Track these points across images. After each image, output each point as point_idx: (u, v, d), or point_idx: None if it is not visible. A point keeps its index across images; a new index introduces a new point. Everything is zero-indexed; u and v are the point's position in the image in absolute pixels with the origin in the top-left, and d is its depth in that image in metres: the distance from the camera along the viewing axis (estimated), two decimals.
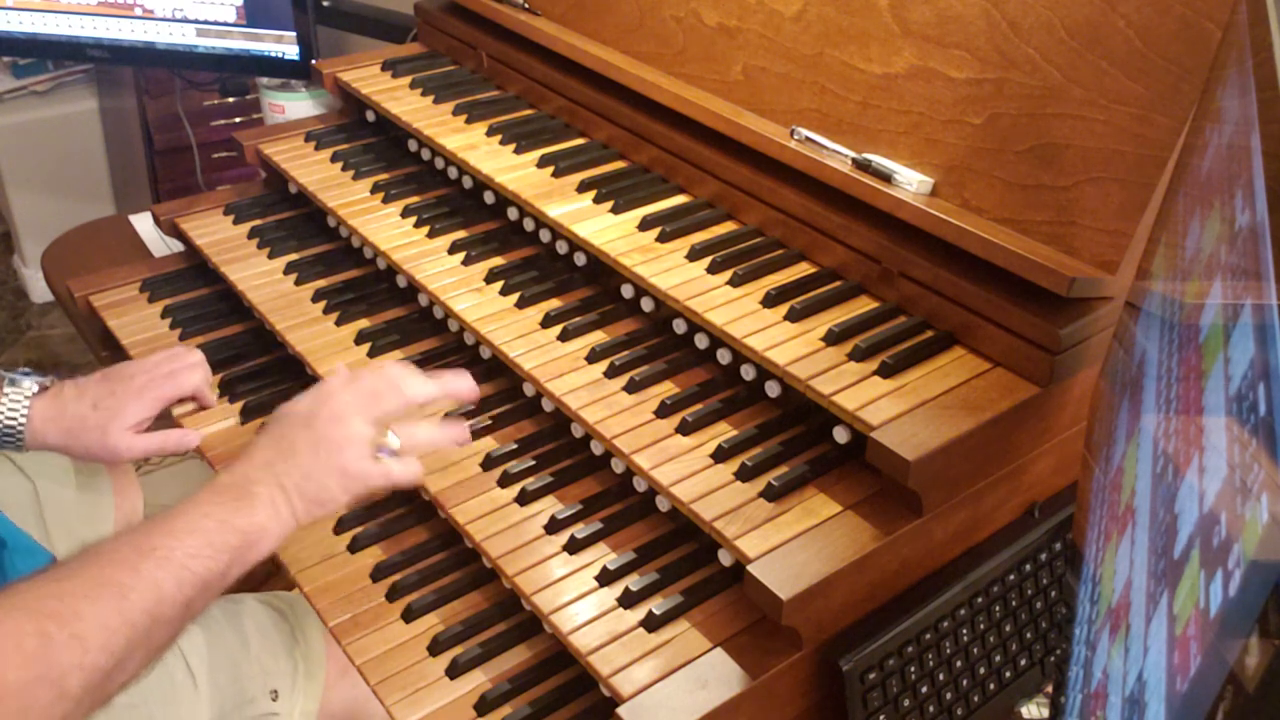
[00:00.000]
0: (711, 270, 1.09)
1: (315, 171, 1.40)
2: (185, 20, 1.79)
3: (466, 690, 0.95)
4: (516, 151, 1.30)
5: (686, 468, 0.96)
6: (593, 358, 1.08)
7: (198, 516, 0.82)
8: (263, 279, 1.32)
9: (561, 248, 1.22)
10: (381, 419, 0.93)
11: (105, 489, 1.16)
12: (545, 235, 1.24)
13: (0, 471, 1.11)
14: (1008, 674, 1.01)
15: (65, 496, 1.13)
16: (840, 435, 0.96)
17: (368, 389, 0.94)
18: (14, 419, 1.02)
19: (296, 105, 1.79)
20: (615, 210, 1.19)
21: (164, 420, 1.13)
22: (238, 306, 1.35)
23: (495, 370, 1.17)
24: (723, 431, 1.00)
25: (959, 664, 0.97)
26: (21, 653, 0.68)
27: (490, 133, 1.34)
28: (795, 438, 0.99)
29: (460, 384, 0.98)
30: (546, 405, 1.11)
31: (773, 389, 1.02)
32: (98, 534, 1.13)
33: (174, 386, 1.09)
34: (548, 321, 1.12)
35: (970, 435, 0.91)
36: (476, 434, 1.09)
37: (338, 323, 1.25)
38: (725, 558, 0.94)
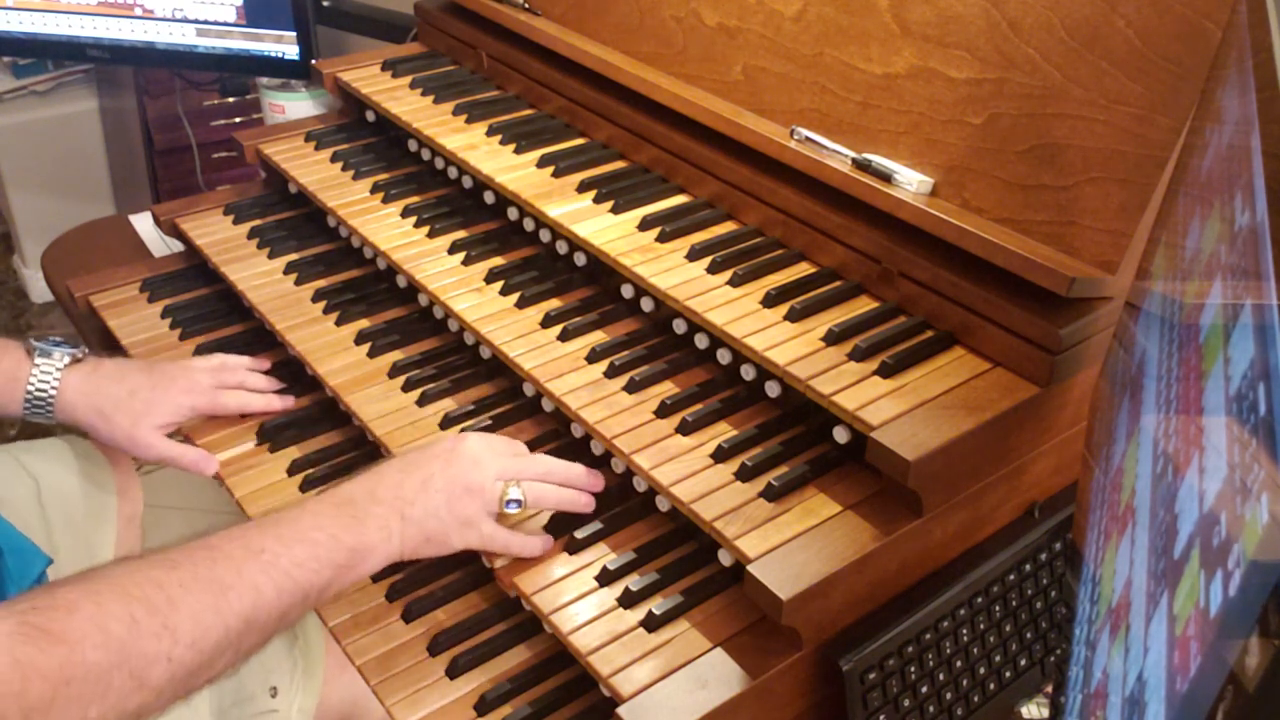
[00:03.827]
0: (711, 270, 1.09)
1: (315, 171, 1.40)
2: (185, 20, 1.79)
3: (466, 690, 0.95)
4: (516, 151, 1.30)
5: (686, 468, 0.96)
6: (593, 358, 1.08)
7: (311, 527, 0.82)
8: (263, 279, 1.32)
9: (561, 248, 1.22)
10: (515, 479, 0.94)
11: (109, 488, 1.16)
12: (545, 235, 1.24)
13: (3, 470, 1.11)
14: (1008, 674, 1.01)
15: (68, 495, 1.13)
16: (840, 435, 0.96)
17: (511, 448, 0.97)
18: (44, 390, 1.02)
19: (296, 105, 1.79)
20: (615, 210, 1.19)
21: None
22: (238, 306, 1.34)
23: (495, 370, 1.17)
24: (723, 431, 1.00)
25: (959, 664, 0.97)
26: (106, 634, 0.67)
27: (490, 133, 1.34)
28: (795, 438, 0.99)
29: (595, 480, 1.01)
30: (546, 405, 1.11)
31: (773, 389, 1.02)
32: (101, 533, 1.13)
33: (210, 401, 1.10)
34: (548, 321, 1.12)
35: (970, 435, 0.91)
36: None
37: (338, 323, 1.25)
38: (725, 558, 0.94)
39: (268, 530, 0.80)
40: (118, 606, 0.68)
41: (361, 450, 1.16)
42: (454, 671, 0.96)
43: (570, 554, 0.98)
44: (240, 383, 1.16)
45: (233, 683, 1.00)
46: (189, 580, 0.73)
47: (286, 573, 0.78)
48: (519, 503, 0.94)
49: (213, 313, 1.36)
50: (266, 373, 1.23)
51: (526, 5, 1.43)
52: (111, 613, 0.68)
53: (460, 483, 0.91)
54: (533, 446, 1.08)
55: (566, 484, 0.99)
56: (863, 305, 1.06)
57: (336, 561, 0.82)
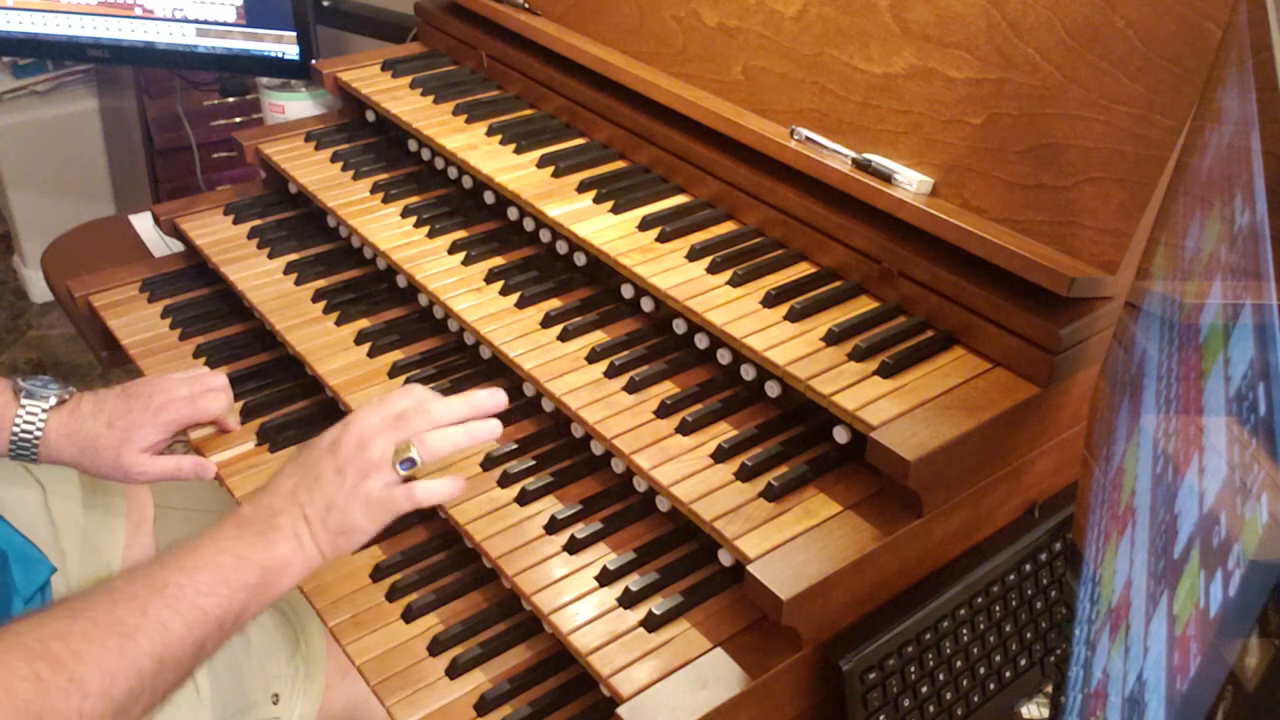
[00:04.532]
0: (711, 270, 1.09)
1: (315, 171, 1.40)
2: (185, 20, 1.79)
3: (466, 690, 0.95)
4: (516, 151, 1.30)
5: (686, 468, 0.96)
6: (593, 358, 1.08)
7: (214, 551, 0.80)
8: (263, 279, 1.32)
9: (561, 248, 1.22)
10: (407, 439, 0.90)
11: (116, 493, 1.15)
12: (545, 235, 1.24)
13: (10, 476, 1.11)
14: (1008, 674, 1.01)
15: (76, 501, 1.12)
16: (840, 435, 0.96)
17: (393, 412, 0.91)
18: (29, 432, 1.01)
19: (296, 105, 1.79)
20: (615, 210, 1.19)
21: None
22: (238, 306, 1.35)
23: (495, 370, 1.17)
24: (723, 431, 1.00)
25: (959, 664, 0.97)
26: (12, 697, 0.65)
27: (490, 133, 1.34)
28: (795, 438, 0.99)
29: (485, 398, 0.94)
30: (546, 405, 1.11)
31: (773, 389, 1.02)
32: (109, 538, 1.12)
33: (191, 411, 1.08)
34: (548, 321, 1.12)
35: (970, 435, 0.91)
36: None
37: (338, 323, 1.25)
38: (725, 558, 0.94)
39: (169, 563, 0.78)
40: (23, 667, 0.66)
41: None
42: (454, 671, 0.96)
43: (570, 554, 0.98)
44: (223, 386, 1.13)
45: (235, 690, 1.00)
46: (91, 629, 0.71)
47: (194, 604, 0.76)
48: (412, 461, 0.89)
49: (213, 313, 1.36)
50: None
51: (526, 5, 1.43)
52: (16, 673, 0.66)
53: (353, 467, 0.88)
54: (532, 446, 1.08)
55: (465, 418, 0.94)
56: (863, 305, 1.06)
57: (248, 582, 0.80)
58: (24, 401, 1.02)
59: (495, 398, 0.95)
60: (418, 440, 0.90)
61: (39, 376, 1.05)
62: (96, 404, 1.04)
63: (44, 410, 1.02)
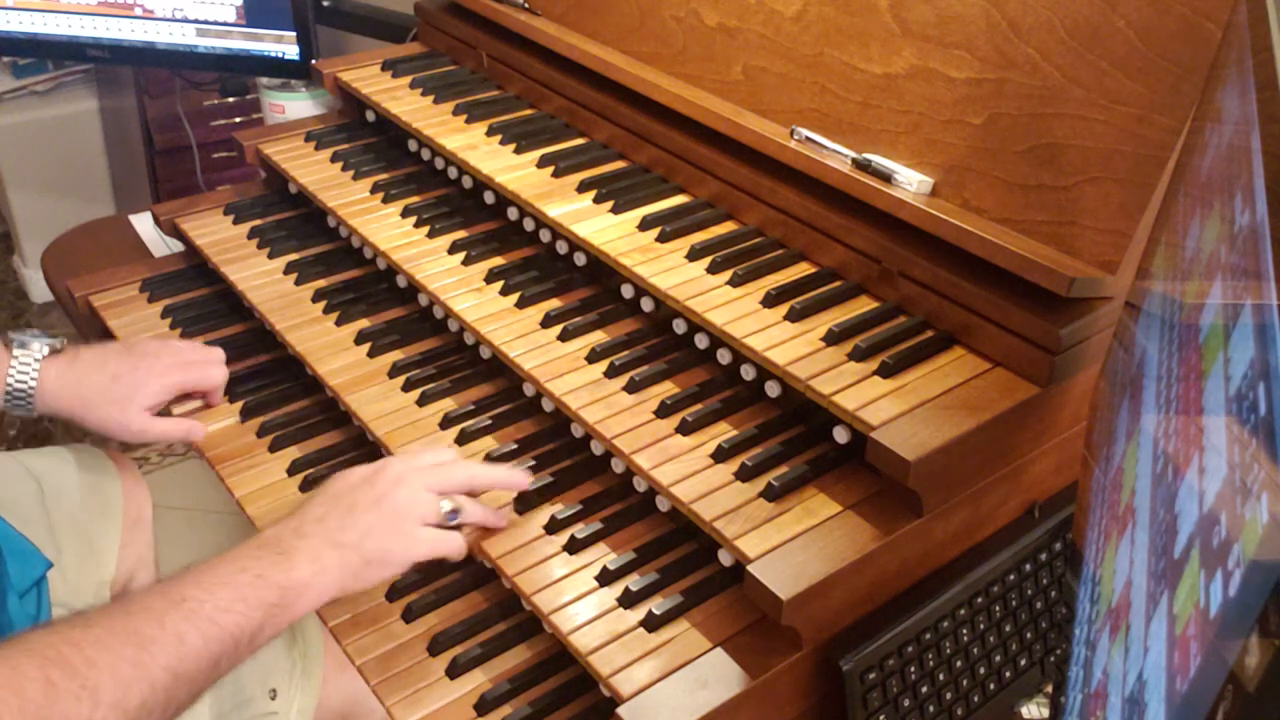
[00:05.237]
0: (711, 270, 1.09)
1: (315, 171, 1.40)
2: (185, 20, 1.79)
3: (466, 690, 0.95)
4: (516, 151, 1.30)
5: (686, 468, 0.96)
6: (593, 358, 1.08)
7: (234, 570, 0.80)
8: (263, 279, 1.32)
9: (561, 248, 1.22)
10: (442, 489, 0.93)
11: (113, 489, 1.15)
12: (545, 235, 1.24)
13: (6, 473, 1.11)
14: (1008, 674, 1.01)
15: (73, 498, 1.12)
16: (840, 435, 0.97)
17: (430, 460, 0.95)
18: (23, 382, 1.01)
19: (296, 105, 1.79)
20: (615, 210, 1.19)
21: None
22: (238, 306, 1.35)
23: (495, 370, 1.17)
24: (723, 431, 1.00)
25: (959, 664, 0.97)
26: (22, 700, 0.64)
27: (490, 133, 1.34)
28: (795, 438, 0.99)
29: (518, 479, 1.00)
30: (546, 405, 1.11)
31: (773, 389, 1.02)
32: (105, 536, 1.12)
33: (195, 376, 1.10)
34: (548, 321, 1.12)
35: (970, 435, 0.91)
36: (475, 434, 1.09)
37: (338, 323, 1.25)
38: (725, 558, 0.94)
39: (187, 579, 0.78)
40: (33, 670, 0.65)
41: (361, 450, 1.16)
42: (454, 671, 0.96)
43: (570, 554, 0.98)
44: (223, 360, 1.16)
45: (232, 685, 1.00)
46: (106, 637, 0.70)
47: (211, 619, 0.75)
48: (457, 512, 0.93)
49: (213, 313, 1.36)
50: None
51: (526, 5, 1.43)
52: (27, 676, 0.65)
53: (389, 502, 0.89)
54: (532, 446, 1.08)
55: (492, 487, 1.00)
56: (863, 305, 1.06)
57: (266, 601, 0.79)
58: (16, 352, 1.03)
59: (523, 478, 1.01)
60: (458, 500, 0.94)
61: (27, 329, 1.06)
62: (99, 357, 1.05)
63: (37, 360, 1.03)
